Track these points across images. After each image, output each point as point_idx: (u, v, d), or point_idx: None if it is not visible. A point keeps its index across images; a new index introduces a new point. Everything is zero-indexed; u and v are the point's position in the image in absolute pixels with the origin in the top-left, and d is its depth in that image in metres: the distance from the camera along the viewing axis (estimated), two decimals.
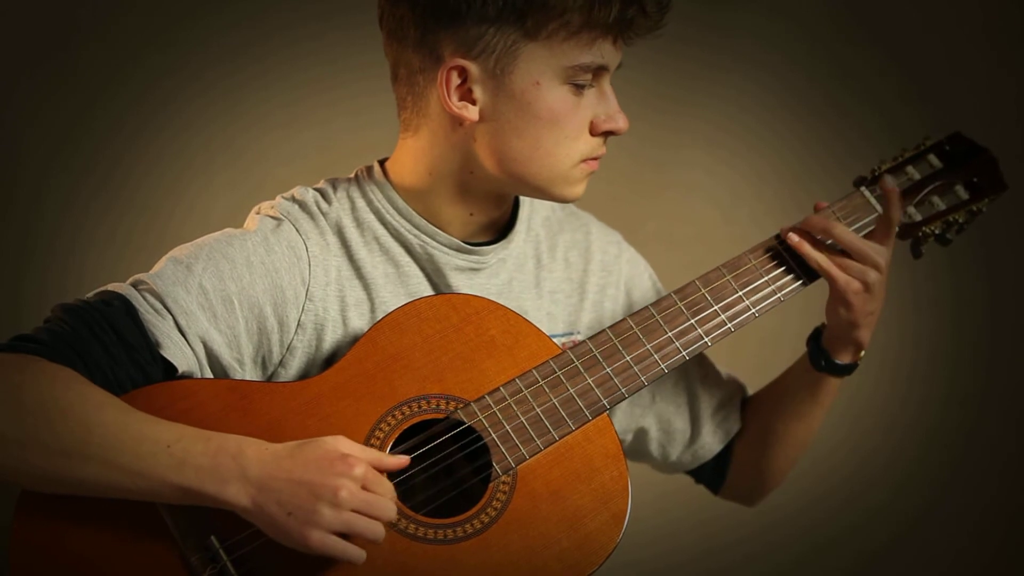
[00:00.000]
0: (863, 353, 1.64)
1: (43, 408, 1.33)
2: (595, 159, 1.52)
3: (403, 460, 1.40)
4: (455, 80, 1.46)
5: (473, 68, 1.45)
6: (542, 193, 1.53)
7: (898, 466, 2.71)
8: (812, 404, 1.70)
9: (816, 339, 1.65)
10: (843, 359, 1.63)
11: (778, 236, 1.60)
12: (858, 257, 1.55)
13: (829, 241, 1.57)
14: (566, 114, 1.47)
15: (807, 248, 1.57)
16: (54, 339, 1.38)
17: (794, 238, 1.58)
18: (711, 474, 1.79)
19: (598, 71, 1.47)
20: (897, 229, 1.59)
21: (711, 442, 1.75)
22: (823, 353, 1.64)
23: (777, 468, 1.77)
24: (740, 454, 1.77)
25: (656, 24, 1.47)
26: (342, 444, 1.35)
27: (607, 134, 1.51)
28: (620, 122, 1.50)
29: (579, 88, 1.47)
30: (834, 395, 1.70)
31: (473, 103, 1.47)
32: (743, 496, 1.84)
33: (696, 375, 1.74)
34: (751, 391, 1.80)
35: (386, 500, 1.35)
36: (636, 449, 1.76)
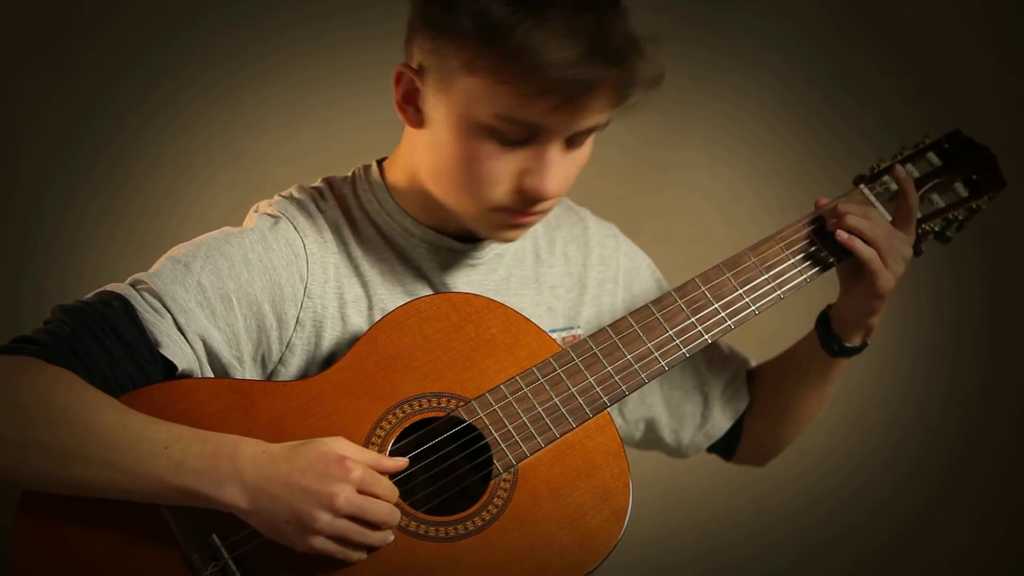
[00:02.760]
0: (873, 333, 1.66)
1: (43, 410, 1.33)
2: (522, 214, 1.45)
3: (401, 462, 1.40)
4: (407, 81, 1.45)
5: (422, 76, 1.43)
6: (466, 223, 1.49)
7: (898, 465, 2.72)
8: (824, 381, 1.72)
9: (824, 325, 1.66)
10: (854, 343, 1.65)
11: (777, 234, 1.60)
12: (892, 246, 1.56)
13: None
14: (482, 159, 1.41)
15: (858, 243, 1.55)
16: (54, 340, 1.38)
17: (843, 235, 1.56)
18: (723, 444, 1.82)
19: (537, 129, 1.39)
20: (918, 215, 1.61)
21: (721, 420, 1.78)
22: (836, 338, 1.65)
23: (790, 435, 1.81)
24: (751, 426, 1.80)
25: (617, 102, 1.38)
26: (340, 446, 1.35)
27: (532, 194, 1.43)
28: (544, 186, 1.41)
29: (506, 140, 1.40)
30: (845, 370, 1.72)
31: (417, 110, 1.45)
32: (754, 460, 1.87)
33: (702, 356, 1.75)
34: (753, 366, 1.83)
35: (383, 504, 1.35)
36: (649, 438, 1.79)
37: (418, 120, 1.46)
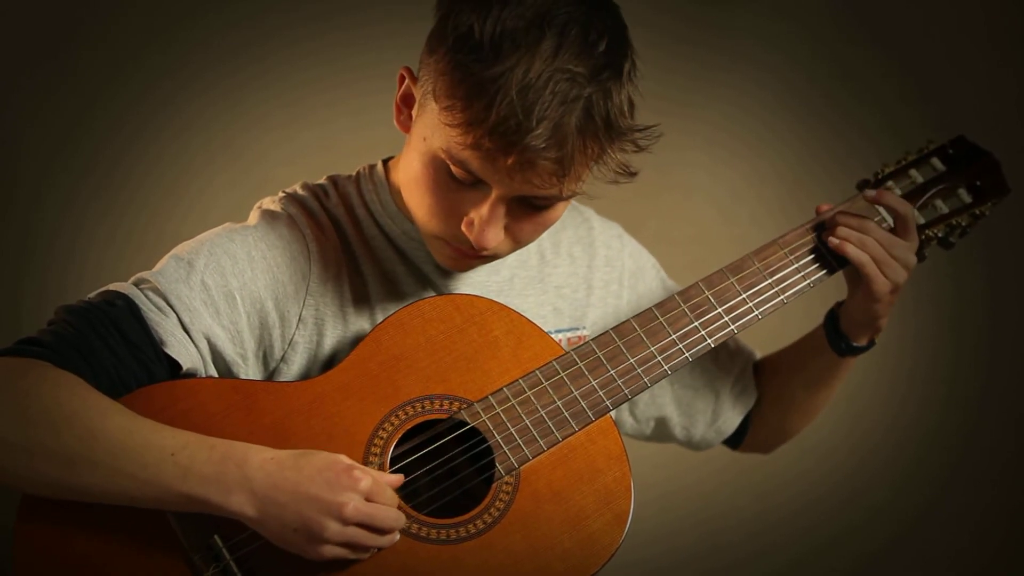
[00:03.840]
0: (880, 332, 1.67)
1: (48, 415, 1.32)
2: (465, 253, 1.44)
3: (398, 478, 1.40)
4: (406, 86, 1.45)
5: (416, 86, 1.43)
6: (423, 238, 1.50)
7: (898, 466, 2.72)
8: (832, 379, 1.73)
9: (832, 324, 1.67)
10: (862, 342, 1.66)
11: (780, 239, 1.60)
12: (894, 257, 1.56)
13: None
14: (432, 187, 1.41)
15: (852, 249, 1.56)
16: (58, 341, 1.38)
17: (835, 241, 1.57)
18: (731, 436, 1.82)
19: (480, 179, 1.37)
20: (921, 221, 1.62)
21: (732, 416, 1.78)
22: (843, 337, 1.66)
23: (797, 427, 1.82)
24: (758, 419, 1.81)
25: (564, 180, 1.35)
26: (345, 457, 1.36)
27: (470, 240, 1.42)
28: (476, 238, 1.40)
29: (455, 178, 1.39)
30: (852, 367, 1.72)
31: (410, 116, 1.45)
32: (761, 450, 1.88)
33: (710, 353, 1.75)
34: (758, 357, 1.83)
35: (390, 510, 1.36)
36: (660, 434, 1.79)
37: (407, 125, 1.46)
